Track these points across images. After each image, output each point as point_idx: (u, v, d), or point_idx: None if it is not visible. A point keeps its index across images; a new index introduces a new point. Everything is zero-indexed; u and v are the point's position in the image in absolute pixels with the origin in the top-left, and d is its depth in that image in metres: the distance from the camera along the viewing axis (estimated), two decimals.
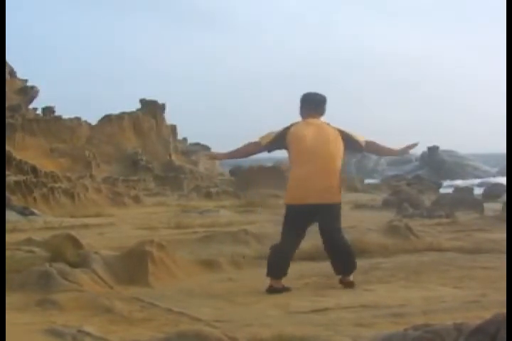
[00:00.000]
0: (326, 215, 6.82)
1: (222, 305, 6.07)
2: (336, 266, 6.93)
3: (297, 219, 6.79)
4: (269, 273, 6.82)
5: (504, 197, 22.00)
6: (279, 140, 6.88)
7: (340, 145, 6.89)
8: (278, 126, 7.03)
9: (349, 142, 6.97)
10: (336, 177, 6.83)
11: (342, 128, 7.03)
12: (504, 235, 10.16)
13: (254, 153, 7.11)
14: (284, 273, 6.80)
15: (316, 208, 6.72)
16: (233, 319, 5.42)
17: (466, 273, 7.43)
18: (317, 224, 6.93)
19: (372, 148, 7.20)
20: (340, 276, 6.90)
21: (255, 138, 7.07)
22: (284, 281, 6.78)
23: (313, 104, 7.05)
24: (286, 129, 6.88)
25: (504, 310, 2.85)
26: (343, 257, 6.90)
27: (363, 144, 7.04)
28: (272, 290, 6.66)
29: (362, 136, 7.11)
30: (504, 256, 8.43)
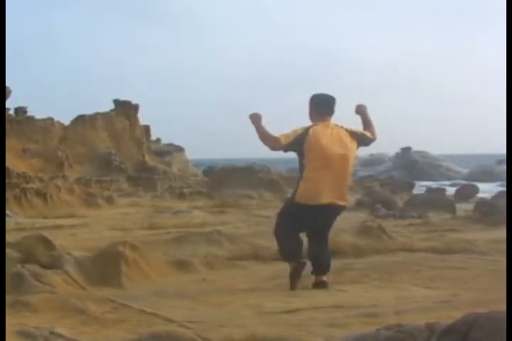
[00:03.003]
0: (330, 216, 6.93)
1: (195, 306, 6.06)
2: (316, 266, 6.95)
3: (303, 217, 6.81)
4: (287, 257, 6.90)
5: (476, 198, 22.26)
6: (298, 142, 6.74)
7: (353, 147, 6.91)
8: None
9: (360, 139, 7.01)
10: (348, 181, 7.00)
11: (349, 127, 6.98)
12: (476, 235, 10.28)
13: (272, 148, 6.82)
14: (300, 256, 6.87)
15: (326, 208, 6.76)
16: (206, 320, 5.41)
17: (438, 273, 7.47)
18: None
19: (371, 131, 7.21)
20: (314, 276, 6.92)
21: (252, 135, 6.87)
22: (257, 282, 6.78)
23: (326, 106, 7.00)
24: (305, 132, 6.75)
25: (475, 310, 2.87)
26: (324, 257, 6.95)
27: (372, 135, 7.13)
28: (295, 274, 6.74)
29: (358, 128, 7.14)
30: (476, 256, 8.52)
